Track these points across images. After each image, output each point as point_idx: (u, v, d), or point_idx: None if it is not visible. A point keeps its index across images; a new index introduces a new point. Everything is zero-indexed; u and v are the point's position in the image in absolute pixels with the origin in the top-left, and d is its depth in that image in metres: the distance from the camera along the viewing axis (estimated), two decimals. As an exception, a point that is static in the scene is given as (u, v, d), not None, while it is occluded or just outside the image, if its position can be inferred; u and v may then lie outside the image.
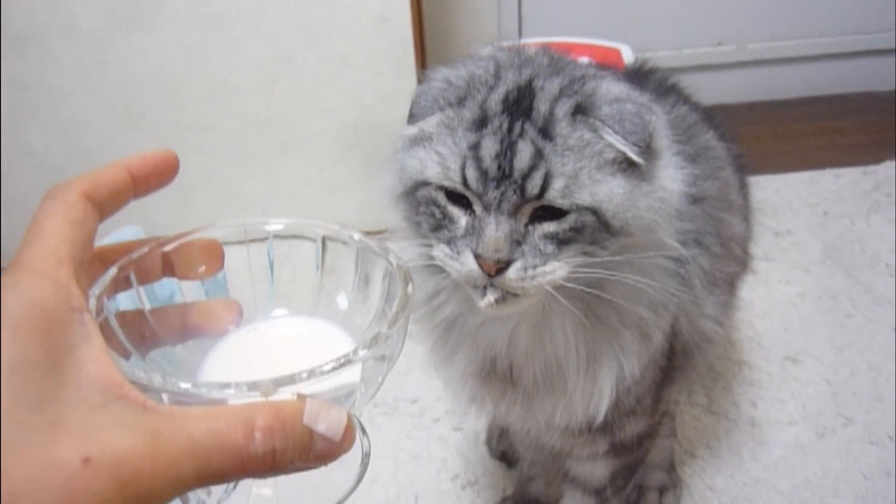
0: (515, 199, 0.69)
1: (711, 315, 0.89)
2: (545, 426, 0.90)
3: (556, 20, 2.21)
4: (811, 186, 1.91)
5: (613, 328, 0.80)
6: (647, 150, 0.71)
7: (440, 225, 0.73)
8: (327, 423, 0.40)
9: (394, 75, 1.62)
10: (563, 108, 0.71)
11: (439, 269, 0.75)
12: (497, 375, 0.85)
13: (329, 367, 0.41)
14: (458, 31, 2.10)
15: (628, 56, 1.62)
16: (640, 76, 1.00)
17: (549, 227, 0.70)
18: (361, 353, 0.43)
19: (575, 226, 0.70)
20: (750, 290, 1.58)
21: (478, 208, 0.71)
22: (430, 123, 0.74)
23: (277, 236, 0.55)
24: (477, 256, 0.69)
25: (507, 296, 0.71)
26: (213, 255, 0.53)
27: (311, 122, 1.67)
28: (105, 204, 0.46)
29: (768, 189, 1.88)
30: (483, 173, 0.69)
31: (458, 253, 0.71)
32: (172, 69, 1.57)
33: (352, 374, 0.43)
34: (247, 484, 0.52)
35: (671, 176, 0.76)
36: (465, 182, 0.70)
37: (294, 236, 0.55)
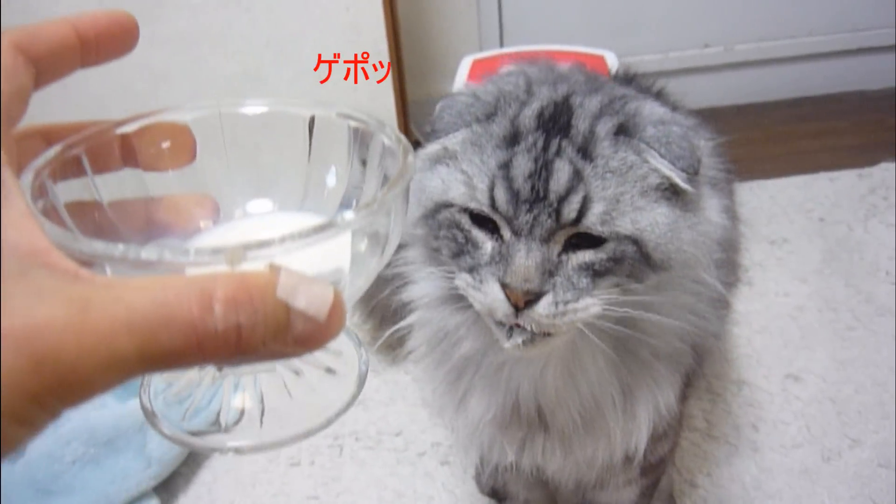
0: (550, 223, 0.63)
1: (715, 332, 0.84)
2: (586, 466, 0.84)
3: (539, 28, 2.15)
4: (805, 191, 1.85)
5: (646, 362, 0.75)
6: (696, 177, 0.66)
7: (462, 251, 0.67)
8: (308, 298, 0.32)
9: (370, 90, 1.55)
10: (604, 127, 0.65)
11: (458, 302, 0.70)
12: (521, 421, 0.78)
13: (311, 231, 0.33)
14: (437, 42, 2.04)
15: (613, 63, 1.55)
16: (625, 83, 0.94)
17: (585, 256, 0.64)
18: (349, 216, 0.35)
19: (613, 256, 0.64)
20: (747, 304, 1.52)
21: (506, 233, 0.65)
22: (454, 140, 0.68)
23: (258, 119, 0.47)
24: (504, 286, 0.63)
25: (535, 336, 0.65)
26: (183, 141, 0.45)
27: (282, 141, 1.60)
28: (43, 61, 0.38)
29: (762, 195, 1.82)
30: (514, 195, 0.63)
31: (482, 282, 0.65)
32: (136, 90, 1.51)
33: (338, 251, 0.36)
34: (226, 394, 0.45)
35: (715, 207, 0.71)
36: (493, 204, 0.64)
37: (277, 119, 0.47)
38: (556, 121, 0.66)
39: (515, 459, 0.83)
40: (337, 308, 0.32)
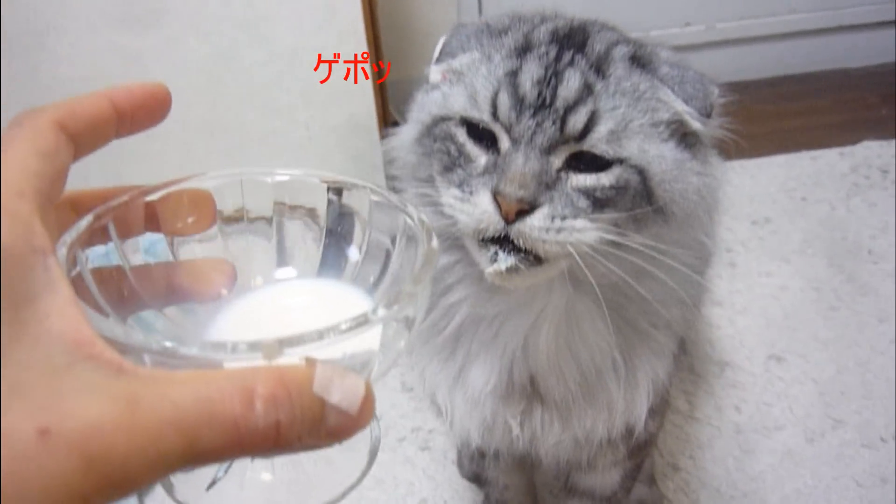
0: (553, 132, 0.60)
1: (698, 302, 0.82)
2: (584, 441, 0.79)
3: (518, 7, 2.11)
4: (788, 170, 1.84)
5: (644, 331, 0.73)
6: (708, 120, 0.65)
7: (454, 164, 0.63)
8: (342, 393, 0.33)
9: (345, 70, 1.52)
10: (620, 52, 0.64)
11: (446, 240, 0.66)
12: (520, 391, 0.75)
13: (345, 326, 0.35)
14: (415, 22, 2.00)
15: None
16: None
17: (587, 180, 0.61)
18: (382, 312, 0.36)
19: (616, 184, 0.61)
20: (729, 284, 1.51)
21: (504, 144, 0.62)
22: (461, 62, 0.66)
23: (278, 187, 0.48)
24: (497, 194, 0.59)
25: (522, 263, 0.60)
26: (205, 207, 0.46)
27: (260, 124, 1.56)
28: (82, 137, 0.39)
29: (743, 175, 1.80)
30: (518, 100, 0.61)
31: (472, 193, 0.61)
32: (106, 73, 1.46)
33: (370, 339, 0.37)
34: (242, 466, 0.45)
35: (720, 165, 0.69)
36: (494, 112, 0.62)
37: (298, 187, 0.48)
38: (571, 38, 0.65)
39: (517, 434, 0.78)
40: (368, 400, 0.34)
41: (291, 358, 0.33)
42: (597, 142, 0.61)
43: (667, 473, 1.19)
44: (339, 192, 0.48)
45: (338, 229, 0.49)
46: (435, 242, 0.43)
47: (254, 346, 0.33)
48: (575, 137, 0.61)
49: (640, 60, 0.64)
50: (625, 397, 0.75)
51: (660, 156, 0.62)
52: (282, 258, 0.49)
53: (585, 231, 0.60)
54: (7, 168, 0.34)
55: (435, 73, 0.68)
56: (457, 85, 0.66)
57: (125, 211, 0.43)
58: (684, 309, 0.73)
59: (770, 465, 1.20)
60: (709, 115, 0.64)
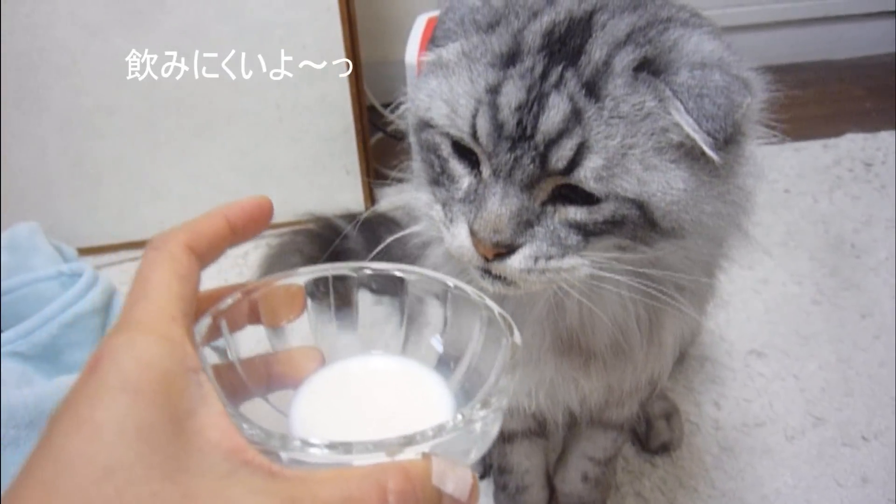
0: (532, 169, 0.54)
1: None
2: (617, 389, 0.79)
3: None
4: (770, 162, 1.78)
5: (670, 294, 0.66)
6: (728, 143, 0.54)
7: (439, 179, 0.59)
8: (455, 483, 0.38)
9: (318, 48, 1.46)
10: (624, 59, 0.54)
11: None
12: (573, 347, 0.71)
13: (453, 425, 0.40)
14: (392, 1, 1.94)
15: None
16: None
17: (576, 214, 0.55)
18: (482, 412, 0.42)
19: (611, 219, 0.55)
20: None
21: (485, 170, 0.56)
22: (450, 51, 0.59)
23: (362, 280, 0.53)
24: (472, 232, 0.55)
25: (508, 288, 0.58)
26: (296, 299, 0.51)
27: (229, 103, 1.50)
28: (205, 255, 0.44)
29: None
30: (497, 127, 0.54)
31: (452, 221, 0.57)
32: (68, 45, 1.39)
33: (472, 431, 0.42)
34: None
35: (753, 173, 0.60)
36: (474, 134, 0.55)
37: (381, 279, 0.53)
38: (565, 42, 0.55)
39: (584, 388, 0.76)
40: (475, 487, 0.39)
41: (409, 453, 0.38)
42: (583, 179, 0.53)
43: (644, 471, 1.15)
44: (418, 282, 0.53)
45: (417, 318, 0.53)
46: (517, 336, 0.47)
47: (379, 445, 0.38)
48: (558, 172, 0.54)
49: (652, 65, 0.54)
50: (647, 354, 0.72)
51: (665, 187, 0.54)
52: (365, 343, 0.54)
53: (574, 269, 0.56)
54: (157, 294, 0.39)
55: (428, 57, 0.62)
56: (442, 83, 0.59)
57: (234, 309, 0.48)
58: (711, 274, 0.70)
59: (749, 463, 1.16)
60: (727, 140, 0.53)
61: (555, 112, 0.53)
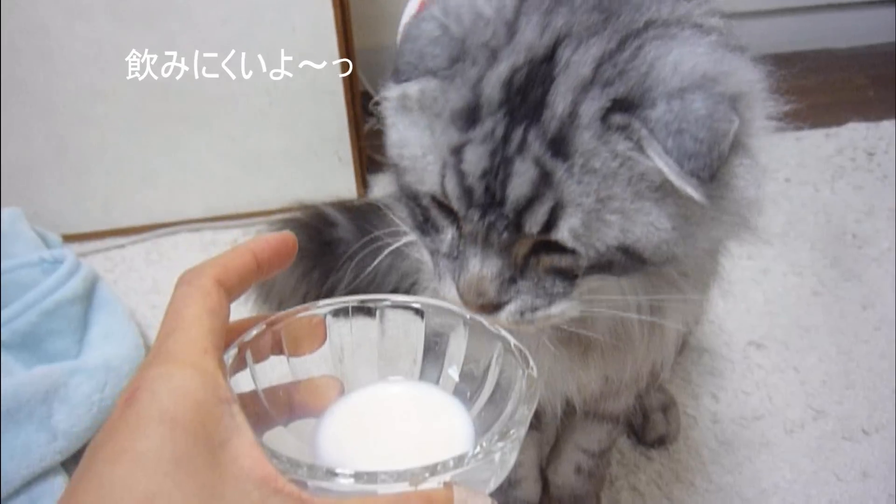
0: (507, 236, 0.51)
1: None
2: (616, 381, 0.77)
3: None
4: (771, 151, 1.75)
5: (673, 281, 0.63)
6: (715, 181, 0.50)
7: (423, 229, 0.57)
8: None
9: (310, 32, 1.42)
10: (591, 108, 0.49)
11: None
12: (571, 339, 0.69)
13: (472, 455, 0.42)
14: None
15: None
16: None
17: (561, 261, 0.53)
18: (499, 444, 0.44)
19: (597, 264, 0.52)
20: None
21: (466, 226, 0.53)
22: (413, 89, 0.54)
23: (382, 313, 0.55)
24: (458, 293, 0.55)
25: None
26: (318, 329, 0.53)
27: (218, 88, 1.47)
28: (233, 289, 0.45)
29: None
30: (466, 192, 0.51)
31: (440, 277, 0.56)
32: (50, 27, 1.36)
33: (491, 461, 0.44)
34: None
35: (753, 182, 0.56)
36: (445, 195, 0.53)
37: (399, 316, 0.55)
38: (526, 95, 0.50)
39: (583, 378, 0.75)
40: None
41: (432, 482, 0.40)
42: (562, 238, 0.51)
43: (639, 465, 1.13)
44: (436, 314, 0.55)
45: (435, 348, 0.55)
46: (534, 369, 0.49)
47: (403, 475, 0.40)
48: (534, 235, 0.52)
49: (624, 104, 0.50)
50: (649, 344, 0.70)
51: (649, 230, 0.51)
52: (383, 371, 0.56)
53: (566, 312, 0.55)
54: (190, 327, 0.41)
55: (393, 92, 0.57)
56: (411, 129, 0.55)
57: (258, 340, 0.50)
58: (713, 256, 0.67)
59: (747, 457, 1.13)
60: (712, 176, 0.48)
61: (521, 180, 0.50)
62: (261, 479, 0.37)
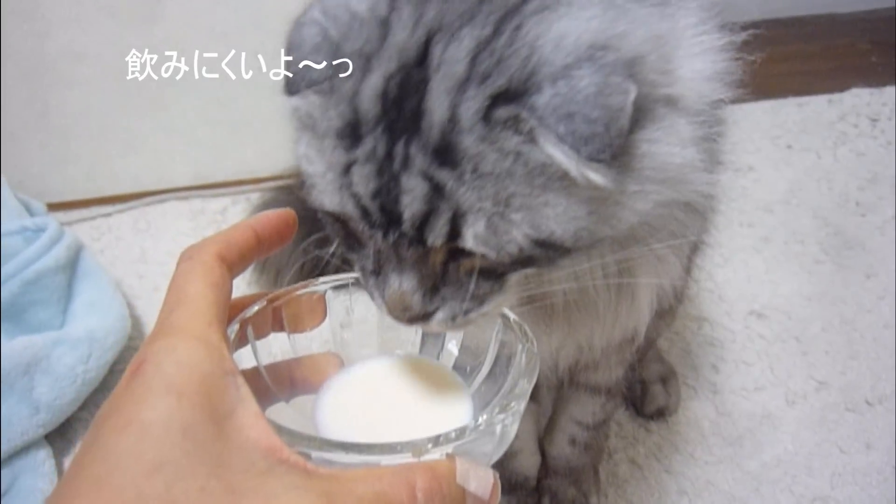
0: (413, 251, 0.49)
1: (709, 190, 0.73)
2: (587, 348, 0.74)
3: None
4: (773, 117, 1.73)
5: (644, 240, 0.59)
6: (625, 156, 0.47)
7: (347, 243, 0.54)
8: (477, 482, 0.41)
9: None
10: (470, 108, 0.45)
11: None
12: (533, 301, 0.64)
13: (474, 428, 0.43)
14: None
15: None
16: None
17: (480, 262, 0.50)
18: (500, 416, 0.44)
19: (517, 260, 0.49)
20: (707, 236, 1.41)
21: (373, 244, 0.52)
22: (301, 106, 0.51)
23: None
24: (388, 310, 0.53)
25: None
26: (318, 306, 0.55)
27: (206, 50, 1.41)
28: (235, 265, 0.46)
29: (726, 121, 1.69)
30: (364, 213, 0.48)
31: (370, 294, 0.54)
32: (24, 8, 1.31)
33: (492, 433, 0.45)
34: None
35: (678, 144, 0.50)
36: (346, 215, 0.50)
37: None
38: (402, 106, 0.47)
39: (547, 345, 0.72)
40: (496, 486, 0.42)
41: (435, 453, 0.41)
42: (469, 246, 0.48)
43: (638, 437, 1.10)
44: None
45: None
46: (534, 343, 0.50)
47: (406, 447, 0.41)
48: (440, 245, 0.49)
49: (507, 95, 0.45)
50: (616, 309, 0.67)
51: (564, 218, 0.48)
52: (384, 346, 0.57)
53: (499, 306, 0.53)
54: (193, 301, 0.42)
55: (288, 103, 0.53)
56: (306, 149, 0.51)
57: (259, 317, 0.51)
58: (690, 213, 0.60)
59: (748, 428, 1.11)
60: (613, 154, 0.44)
61: (411, 196, 0.47)
62: (266, 449, 0.38)
